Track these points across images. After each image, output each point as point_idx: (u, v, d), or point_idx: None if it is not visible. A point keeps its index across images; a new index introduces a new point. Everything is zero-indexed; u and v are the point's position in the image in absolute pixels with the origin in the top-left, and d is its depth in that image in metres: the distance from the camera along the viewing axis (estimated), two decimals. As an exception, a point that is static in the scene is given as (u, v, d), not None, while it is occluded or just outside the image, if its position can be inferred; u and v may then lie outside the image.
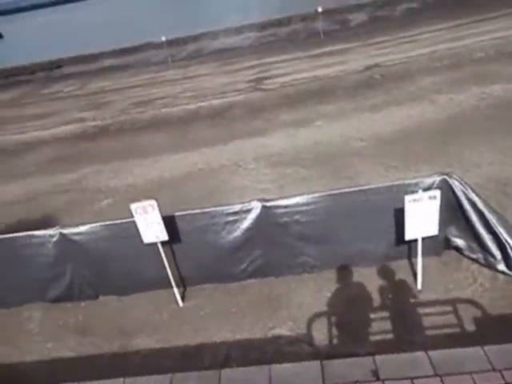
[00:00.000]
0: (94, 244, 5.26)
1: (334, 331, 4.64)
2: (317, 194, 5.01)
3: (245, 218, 5.10)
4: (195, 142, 11.00)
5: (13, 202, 9.57)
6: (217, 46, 25.93)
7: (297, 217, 5.06)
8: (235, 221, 5.13)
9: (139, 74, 22.12)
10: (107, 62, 28.01)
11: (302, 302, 5.07)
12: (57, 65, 29.64)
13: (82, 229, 5.19)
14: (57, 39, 51.76)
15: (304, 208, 5.00)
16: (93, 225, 5.21)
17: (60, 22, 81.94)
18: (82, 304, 5.78)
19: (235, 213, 5.08)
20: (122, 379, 4.29)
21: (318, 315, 4.86)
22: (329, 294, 5.11)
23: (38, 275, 5.57)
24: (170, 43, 27.73)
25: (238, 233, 5.19)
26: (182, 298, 5.48)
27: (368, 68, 14.21)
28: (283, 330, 4.75)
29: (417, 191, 4.40)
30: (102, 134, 13.29)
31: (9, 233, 5.53)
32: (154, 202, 4.58)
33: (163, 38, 26.76)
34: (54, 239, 5.26)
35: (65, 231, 5.22)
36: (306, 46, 20.08)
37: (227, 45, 25.71)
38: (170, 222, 4.95)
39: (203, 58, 23.18)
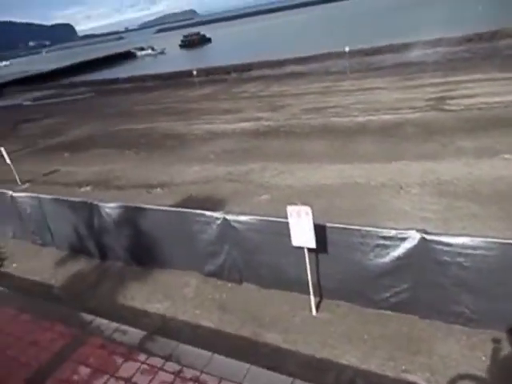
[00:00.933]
0: (249, 234, 5.77)
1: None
2: (492, 240, 4.35)
3: (398, 246, 4.81)
4: (358, 155, 10.86)
5: (192, 181, 11.22)
6: (399, 60, 24.85)
7: (460, 259, 4.50)
8: (387, 246, 4.89)
9: (317, 81, 22.95)
10: (289, 69, 29.93)
11: (446, 356, 4.51)
12: (248, 68, 33.16)
13: (242, 218, 5.74)
14: (252, 45, 57.83)
15: (471, 251, 4.41)
16: (251, 217, 5.71)
17: (257, 30, 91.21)
18: (229, 285, 6.42)
19: (389, 238, 4.84)
20: (248, 365, 4.62)
21: (463, 377, 4.24)
22: (484, 358, 4.40)
23: (201, 249, 6.43)
24: (353, 54, 27.85)
25: (387, 259, 4.94)
26: (317, 308, 5.53)
27: None
28: (418, 379, 4.32)
29: None
30: (272, 134, 14.34)
31: (184, 207, 6.53)
32: (308, 209, 4.74)
33: (346, 49, 27.00)
34: (218, 222, 5.98)
35: (228, 217, 5.87)
36: (507, 67, 17.45)
37: (411, 59, 24.39)
38: (320, 231, 5.05)
39: (382, 71, 22.54)
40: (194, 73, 30.65)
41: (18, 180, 13.08)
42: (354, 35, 40.90)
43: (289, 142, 13.24)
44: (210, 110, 20.43)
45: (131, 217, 7.01)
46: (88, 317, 5.97)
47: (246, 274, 6.27)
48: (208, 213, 6.09)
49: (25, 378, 5.01)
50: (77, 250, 8.23)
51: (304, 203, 4.94)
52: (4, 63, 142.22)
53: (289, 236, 5.10)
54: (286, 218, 5.02)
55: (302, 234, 4.95)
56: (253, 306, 5.91)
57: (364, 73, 23.18)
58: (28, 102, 37.66)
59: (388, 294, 5.12)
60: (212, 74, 33.87)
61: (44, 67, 74.45)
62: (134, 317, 6.09)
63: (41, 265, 8.12)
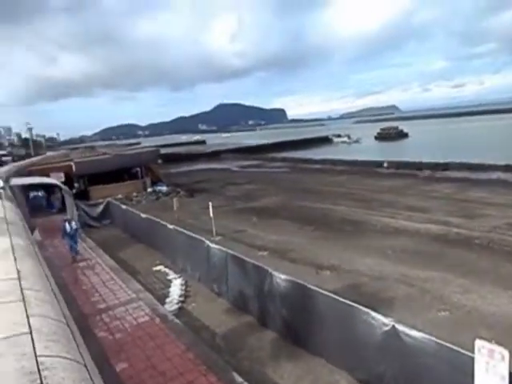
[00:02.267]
0: (420, 353, 5.12)
1: None
2: None
3: None
4: None
5: (363, 273, 10.88)
6: None
7: None
8: None
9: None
10: (494, 175, 26.83)
11: None
12: (443, 167, 31.36)
13: (415, 334, 5.18)
14: (451, 145, 54.89)
15: None
16: (426, 335, 5.09)
17: (458, 130, 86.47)
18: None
19: None
20: None
21: None
22: None
23: (358, 350, 6.03)
24: None
25: None
26: None
27: None
28: None
29: None
30: (462, 244, 12.80)
31: (349, 299, 6.32)
32: (506, 353, 3.94)
33: None
34: (385, 328, 5.55)
35: (398, 327, 5.39)
36: None
37: None
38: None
39: None
40: (385, 164, 30.81)
41: (214, 232, 15.37)
42: None
43: (483, 257, 11.54)
44: (393, 203, 19.90)
45: (297, 294, 7.23)
46: (238, 379, 6.23)
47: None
48: (375, 314, 5.75)
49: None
50: (244, 307, 8.88)
51: (498, 342, 4.15)
52: (226, 135, 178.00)
53: (471, 376, 4.29)
54: (471, 351, 4.29)
55: (491, 380, 4.09)
56: None
57: None
58: (236, 168, 45.11)
59: None
60: (402, 168, 33.30)
61: (254, 142, 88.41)
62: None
63: (213, 312, 9.06)
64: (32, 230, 8.81)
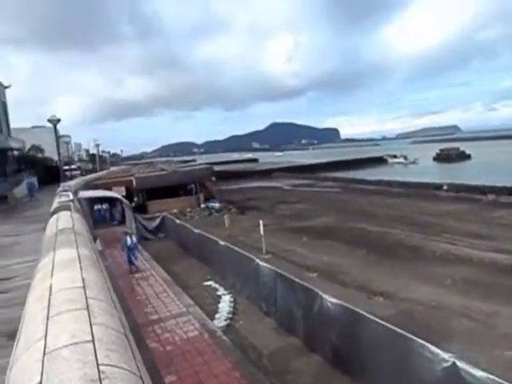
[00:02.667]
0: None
1: None
2: None
3: None
4: None
5: (419, 301, 10.27)
6: None
7: None
8: None
9: None
10: None
11: None
12: (509, 192, 29.11)
13: (480, 374, 4.74)
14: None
15: None
16: (494, 377, 4.64)
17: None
18: None
19: None
20: None
21: None
22: None
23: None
24: None
25: None
26: None
27: None
28: None
29: None
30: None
31: (403, 329, 5.95)
32: None
33: None
34: (445, 365, 5.16)
35: (459, 364, 4.99)
36: None
37: None
38: None
39: None
40: (444, 187, 29.25)
41: (263, 250, 15.38)
42: None
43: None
44: (454, 228, 18.71)
45: (348, 319, 6.97)
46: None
47: None
48: (434, 348, 5.37)
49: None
50: (291, 329, 8.72)
51: None
52: (279, 154, 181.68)
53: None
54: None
55: None
56: None
57: None
58: (287, 187, 44.99)
59: None
60: (464, 192, 31.35)
61: (306, 160, 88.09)
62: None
63: (260, 331, 8.99)
64: (94, 239, 9.39)
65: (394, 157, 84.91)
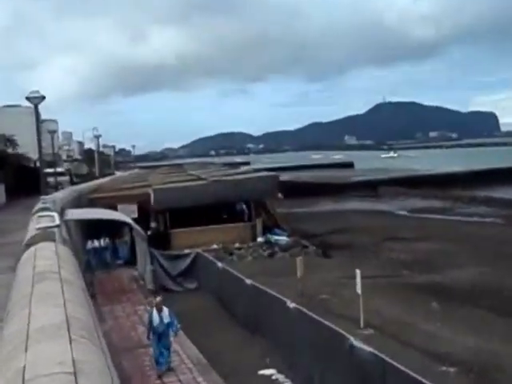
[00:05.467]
0: None
1: None
2: None
3: None
4: None
5: None
6: None
7: None
8: None
9: None
10: None
11: None
12: None
13: None
14: None
15: None
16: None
17: None
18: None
19: None
20: None
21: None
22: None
23: None
24: None
25: None
26: None
27: None
28: None
29: None
30: None
31: None
32: None
33: None
34: None
35: None
36: None
37: None
38: None
39: None
40: None
41: (361, 321, 10.59)
42: None
43: None
44: None
45: None
46: None
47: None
48: None
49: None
50: None
51: None
52: (389, 154, 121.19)
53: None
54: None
55: None
56: None
57: None
58: (402, 212, 32.57)
59: None
60: None
61: (436, 167, 60.77)
62: None
63: None
64: (88, 286, 6.53)
65: None
